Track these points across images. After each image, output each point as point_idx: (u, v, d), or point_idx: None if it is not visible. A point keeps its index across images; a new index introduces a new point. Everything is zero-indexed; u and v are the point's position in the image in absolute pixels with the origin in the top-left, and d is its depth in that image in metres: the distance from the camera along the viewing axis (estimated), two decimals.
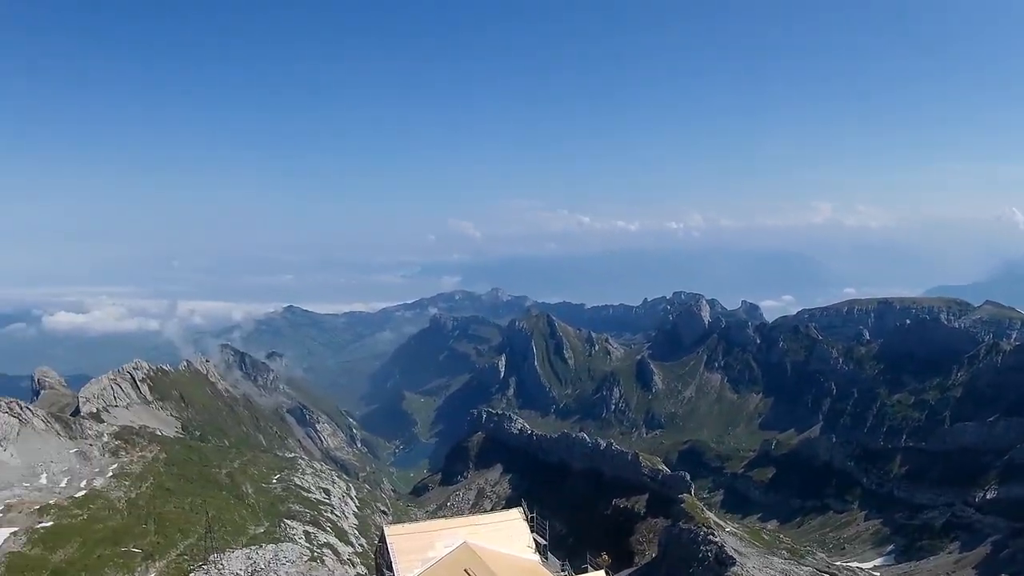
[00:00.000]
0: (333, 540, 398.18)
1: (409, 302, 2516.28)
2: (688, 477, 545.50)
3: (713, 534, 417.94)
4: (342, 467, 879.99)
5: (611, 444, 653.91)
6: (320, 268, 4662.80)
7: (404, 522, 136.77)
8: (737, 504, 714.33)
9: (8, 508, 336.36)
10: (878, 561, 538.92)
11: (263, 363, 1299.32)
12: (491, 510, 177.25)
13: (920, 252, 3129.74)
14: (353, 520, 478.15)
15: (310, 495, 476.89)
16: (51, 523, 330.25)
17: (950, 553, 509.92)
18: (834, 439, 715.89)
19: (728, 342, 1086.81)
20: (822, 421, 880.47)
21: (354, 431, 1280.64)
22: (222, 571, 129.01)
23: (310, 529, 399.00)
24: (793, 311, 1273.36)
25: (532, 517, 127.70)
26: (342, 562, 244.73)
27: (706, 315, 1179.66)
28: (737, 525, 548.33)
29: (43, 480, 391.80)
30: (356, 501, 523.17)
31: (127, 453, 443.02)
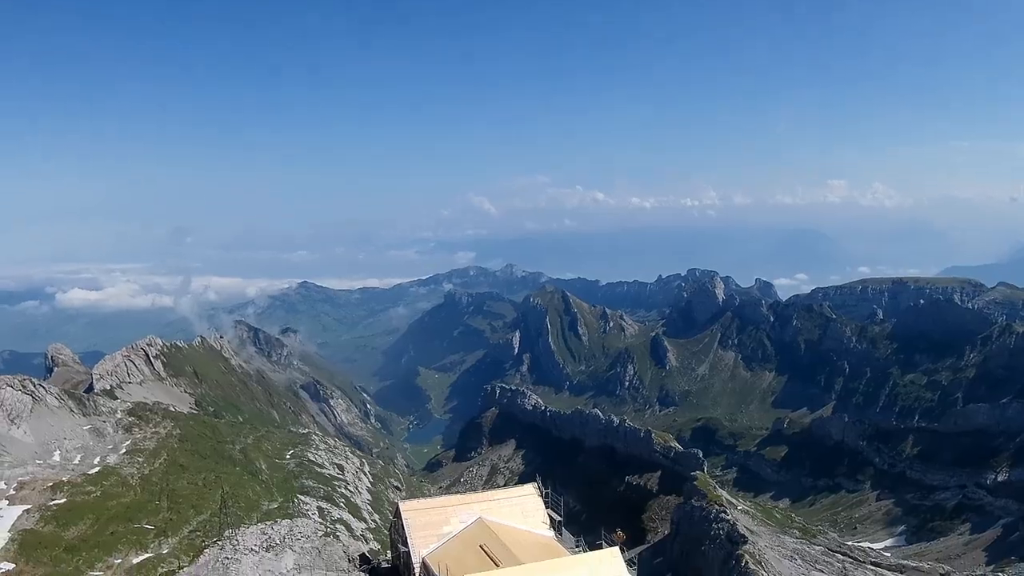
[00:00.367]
0: (347, 516, 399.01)
1: (423, 278, 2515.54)
2: (701, 455, 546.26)
3: (725, 512, 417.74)
4: (356, 443, 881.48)
5: (624, 421, 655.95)
6: (334, 244, 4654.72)
7: (418, 498, 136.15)
8: (749, 482, 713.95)
9: (21, 486, 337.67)
10: (889, 542, 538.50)
11: (277, 339, 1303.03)
12: (504, 486, 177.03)
13: (935, 232, 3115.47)
14: (367, 496, 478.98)
15: (324, 471, 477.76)
16: (64, 500, 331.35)
17: (961, 535, 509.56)
18: (847, 418, 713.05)
19: (742, 320, 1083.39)
20: (835, 400, 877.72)
21: (368, 407, 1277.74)
22: (236, 547, 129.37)
23: (324, 505, 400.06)
24: (807, 289, 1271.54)
25: (547, 493, 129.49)
26: (355, 538, 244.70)
27: (720, 293, 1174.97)
28: (749, 503, 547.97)
29: (56, 457, 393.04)
30: (370, 477, 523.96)
31: (140, 429, 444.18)
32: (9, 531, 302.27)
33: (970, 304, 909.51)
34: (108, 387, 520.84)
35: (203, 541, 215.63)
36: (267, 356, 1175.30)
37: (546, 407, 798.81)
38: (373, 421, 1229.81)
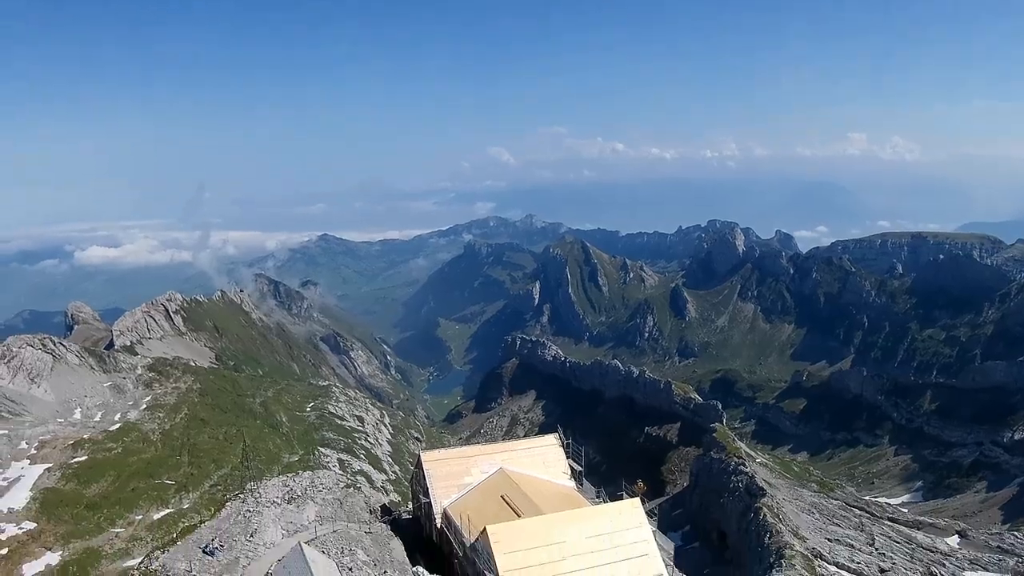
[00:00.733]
0: (367, 467, 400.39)
1: (443, 229, 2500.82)
2: (720, 407, 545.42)
3: (744, 464, 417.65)
4: (376, 394, 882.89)
5: (644, 372, 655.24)
6: (354, 196, 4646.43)
7: (439, 449, 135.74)
8: (768, 435, 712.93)
9: (42, 444, 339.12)
10: (906, 497, 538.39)
11: (297, 292, 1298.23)
12: (524, 437, 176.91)
13: (954, 187, 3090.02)
14: (387, 447, 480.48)
15: (344, 423, 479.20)
16: (85, 457, 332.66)
17: (977, 492, 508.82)
18: (865, 372, 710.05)
19: (762, 271, 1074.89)
20: (853, 354, 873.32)
21: (388, 358, 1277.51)
22: (258, 500, 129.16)
23: (344, 457, 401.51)
24: (827, 242, 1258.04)
25: (567, 443, 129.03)
26: (376, 489, 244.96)
27: (740, 244, 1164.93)
28: (768, 456, 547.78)
29: (77, 415, 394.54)
30: (390, 428, 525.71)
31: (161, 385, 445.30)
32: (31, 490, 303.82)
33: (989, 260, 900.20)
34: (128, 343, 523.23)
35: (224, 495, 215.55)
36: (287, 309, 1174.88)
37: (566, 358, 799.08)
38: (393, 373, 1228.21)
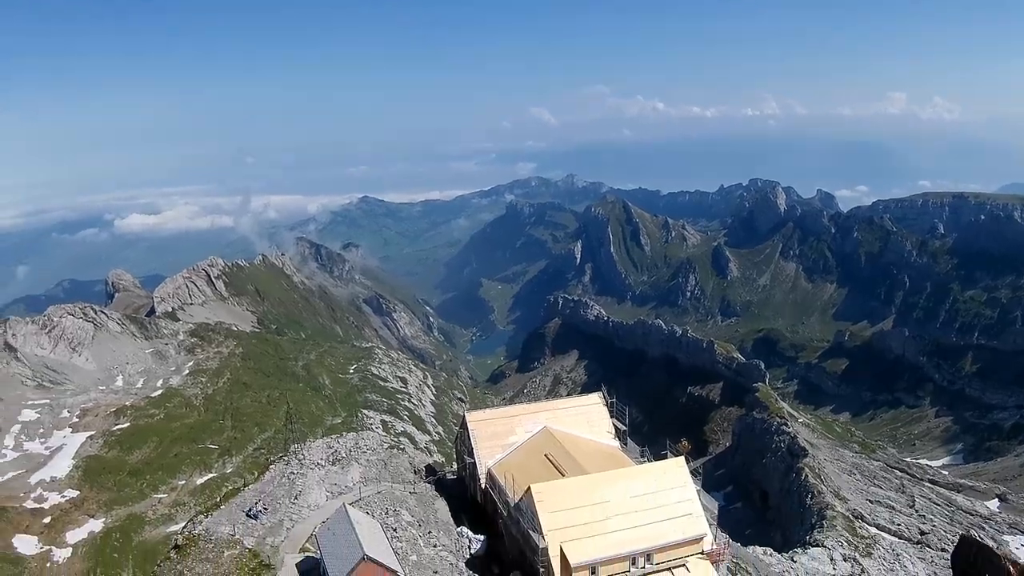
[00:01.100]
0: (410, 429, 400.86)
1: (485, 189, 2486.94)
2: (762, 366, 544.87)
3: (786, 425, 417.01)
4: (419, 355, 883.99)
5: (687, 331, 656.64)
6: (395, 158, 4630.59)
7: (483, 409, 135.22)
8: (810, 395, 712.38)
9: (84, 413, 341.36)
10: (946, 459, 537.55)
11: (339, 254, 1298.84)
12: (567, 397, 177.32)
13: (994, 148, 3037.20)
14: (430, 408, 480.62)
15: (387, 384, 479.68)
16: (127, 424, 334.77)
17: (1017, 456, 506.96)
18: (907, 333, 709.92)
19: (803, 230, 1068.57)
20: (895, 314, 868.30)
21: (431, 319, 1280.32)
22: (302, 462, 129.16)
23: (387, 418, 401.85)
24: (868, 202, 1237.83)
25: (611, 403, 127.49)
26: (419, 450, 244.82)
27: (782, 203, 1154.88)
28: (810, 416, 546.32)
29: (119, 382, 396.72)
30: (433, 389, 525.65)
31: (203, 350, 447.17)
32: (73, 458, 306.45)
33: None
34: (170, 309, 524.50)
35: (268, 458, 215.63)
36: (329, 272, 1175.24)
37: (608, 317, 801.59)
38: (436, 333, 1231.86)
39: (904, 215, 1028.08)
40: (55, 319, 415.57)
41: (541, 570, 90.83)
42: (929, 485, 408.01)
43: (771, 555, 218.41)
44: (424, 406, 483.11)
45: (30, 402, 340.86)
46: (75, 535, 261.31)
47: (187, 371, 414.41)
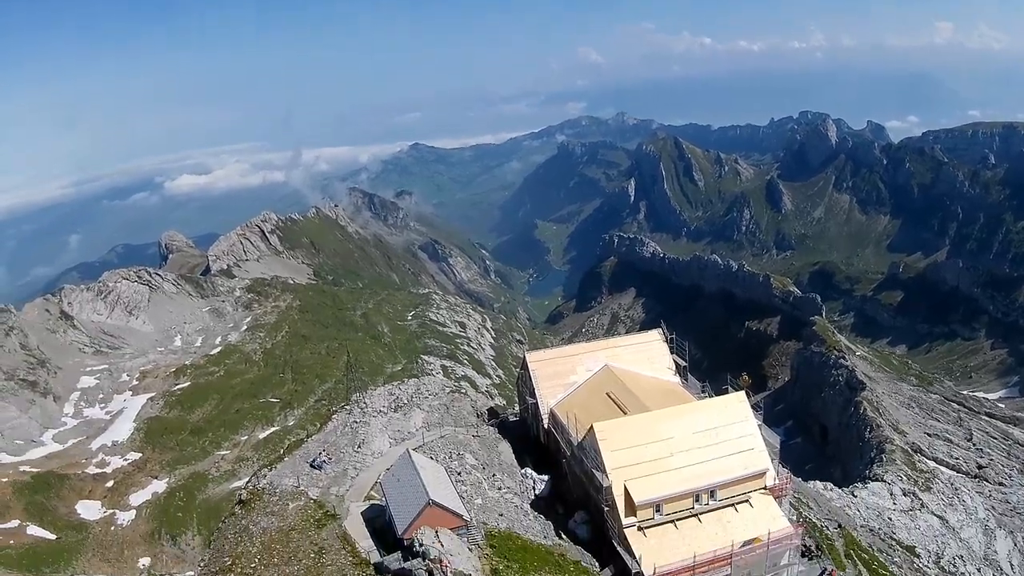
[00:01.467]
0: (470, 372, 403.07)
1: (536, 131, 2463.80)
2: (819, 300, 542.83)
3: (844, 358, 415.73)
4: (477, 299, 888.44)
5: (743, 266, 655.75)
6: (444, 103, 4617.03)
7: (542, 349, 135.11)
8: (866, 328, 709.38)
9: (143, 375, 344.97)
10: (1002, 392, 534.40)
11: (392, 202, 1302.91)
12: (625, 334, 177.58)
13: None
14: (490, 352, 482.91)
15: (446, 329, 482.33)
16: (187, 384, 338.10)
17: None
18: (961, 264, 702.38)
19: (855, 162, 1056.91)
20: (948, 245, 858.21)
21: (487, 263, 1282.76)
22: (364, 410, 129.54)
23: (447, 363, 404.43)
24: (918, 132, 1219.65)
25: (671, 339, 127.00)
26: (480, 393, 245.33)
27: (833, 135, 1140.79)
28: (867, 349, 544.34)
29: (177, 342, 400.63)
30: (492, 332, 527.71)
31: (260, 305, 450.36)
32: (134, 421, 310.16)
33: None
34: (225, 267, 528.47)
35: (330, 408, 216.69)
36: (383, 220, 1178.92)
37: (664, 254, 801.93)
38: (493, 277, 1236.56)
39: (955, 145, 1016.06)
40: (110, 284, 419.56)
41: (606, 508, 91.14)
42: (986, 418, 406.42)
43: (832, 490, 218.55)
44: (483, 349, 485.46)
45: (89, 368, 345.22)
46: (138, 497, 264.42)
47: (245, 327, 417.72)
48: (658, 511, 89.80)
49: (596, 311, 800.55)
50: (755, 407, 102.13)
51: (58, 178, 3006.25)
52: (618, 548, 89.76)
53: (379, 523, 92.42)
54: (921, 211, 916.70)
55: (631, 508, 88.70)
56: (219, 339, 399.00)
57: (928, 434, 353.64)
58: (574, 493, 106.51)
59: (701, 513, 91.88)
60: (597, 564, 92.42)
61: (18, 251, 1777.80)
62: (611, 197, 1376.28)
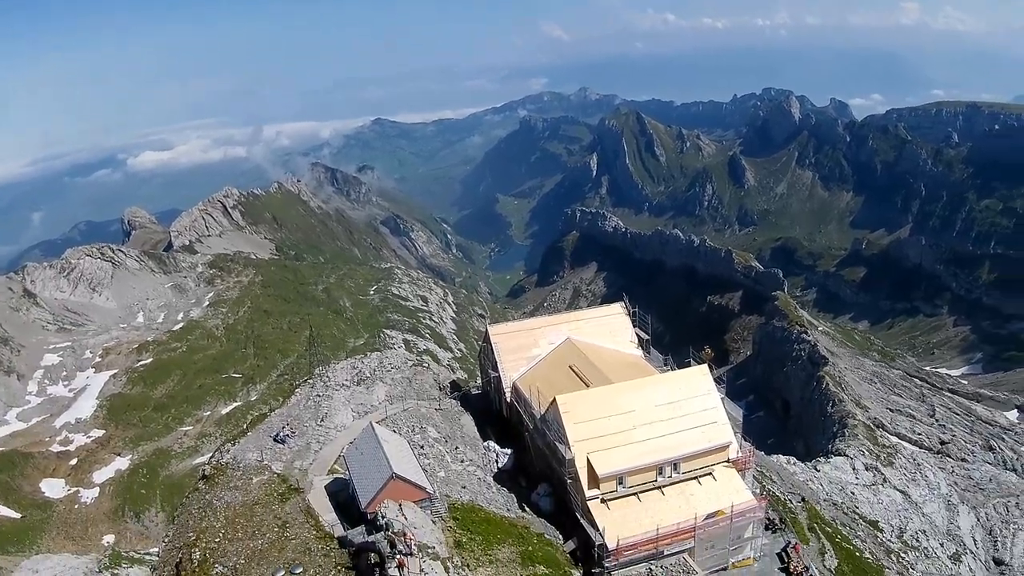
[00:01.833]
0: (432, 346, 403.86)
1: (498, 106, 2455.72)
2: (781, 275, 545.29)
3: (806, 333, 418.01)
4: (438, 274, 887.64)
5: (705, 241, 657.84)
6: (406, 80, 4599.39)
7: (505, 322, 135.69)
8: (829, 303, 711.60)
9: (106, 352, 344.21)
10: (964, 369, 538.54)
11: (354, 177, 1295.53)
12: (587, 308, 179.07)
13: (1008, 59, 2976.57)
14: (451, 326, 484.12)
15: (408, 303, 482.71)
16: (150, 360, 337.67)
17: None
18: (924, 241, 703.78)
19: (818, 139, 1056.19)
20: (911, 222, 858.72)
21: (449, 237, 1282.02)
22: (327, 384, 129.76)
23: (409, 337, 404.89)
24: (882, 110, 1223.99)
25: (633, 312, 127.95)
26: (442, 367, 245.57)
27: (796, 112, 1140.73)
28: (829, 325, 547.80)
29: (140, 319, 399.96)
30: (454, 306, 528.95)
31: (223, 280, 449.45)
32: (97, 398, 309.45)
33: None
34: (187, 243, 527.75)
35: (292, 383, 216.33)
36: (345, 195, 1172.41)
37: (626, 229, 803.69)
38: (454, 251, 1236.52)
39: (918, 124, 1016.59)
40: (73, 261, 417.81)
41: (569, 481, 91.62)
42: (949, 394, 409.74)
43: (794, 464, 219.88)
44: (445, 323, 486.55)
45: (52, 346, 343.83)
46: (102, 475, 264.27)
47: (207, 303, 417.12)
48: (621, 484, 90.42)
49: (558, 285, 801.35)
50: (717, 381, 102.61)
51: (20, 156, 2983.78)
52: (581, 520, 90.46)
53: (343, 497, 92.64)
54: (884, 188, 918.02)
55: (594, 480, 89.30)
56: (181, 315, 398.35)
57: (890, 409, 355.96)
58: (537, 466, 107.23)
59: (664, 486, 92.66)
60: (560, 536, 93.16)
61: None
62: (573, 172, 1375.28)
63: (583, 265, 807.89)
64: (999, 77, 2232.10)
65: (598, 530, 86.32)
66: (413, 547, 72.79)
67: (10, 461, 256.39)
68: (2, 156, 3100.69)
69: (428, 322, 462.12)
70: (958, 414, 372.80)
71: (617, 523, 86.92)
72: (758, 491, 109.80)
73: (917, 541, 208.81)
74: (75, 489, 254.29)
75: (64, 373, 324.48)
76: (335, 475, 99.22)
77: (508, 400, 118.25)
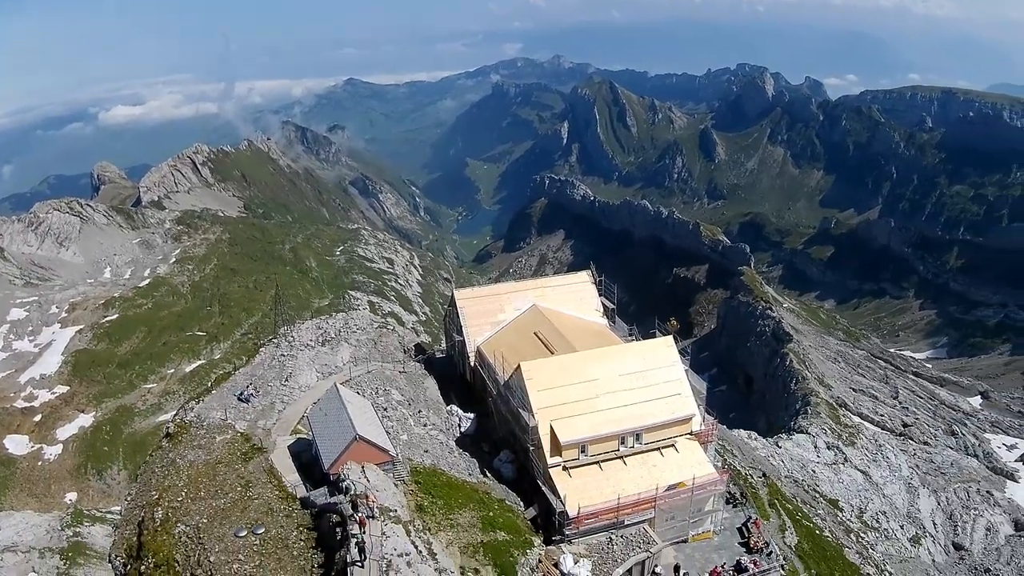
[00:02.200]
0: (397, 309, 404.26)
1: (471, 70, 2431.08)
2: (748, 250, 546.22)
3: (771, 309, 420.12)
4: (405, 236, 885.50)
5: (673, 213, 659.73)
6: (380, 40, 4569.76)
7: (471, 287, 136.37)
8: (795, 280, 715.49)
9: (73, 307, 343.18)
10: (929, 352, 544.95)
11: (325, 137, 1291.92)
12: (553, 275, 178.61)
13: (986, 47, 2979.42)
14: (417, 289, 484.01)
15: (374, 265, 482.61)
16: (116, 316, 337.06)
17: (1001, 355, 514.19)
18: (892, 223, 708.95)
19: (791, 117, 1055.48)
20: (881, 204, 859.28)
21: (417, 200, 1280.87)
22: (292, 343, 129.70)
23: (374, 299, 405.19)
24: (856, 91, 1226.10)
25: (600, 281, 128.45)
26: (407, 330, 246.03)
27: (770, 88, 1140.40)
28: (795, 302, 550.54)
29: (107, 274, 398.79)
30: (419, 270, 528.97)
31: (190, 237, 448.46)
32: (62, 354, 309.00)
33: (1019, 123, 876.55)
34: (156, 198, 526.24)
35: (256, 342, 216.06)
36: (315, 155, 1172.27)
37: (595, 197, 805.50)
38: (422, 214, 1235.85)
39: (893, 107, 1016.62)
40: (41, 215, 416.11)
41: (531, 448, 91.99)
42: (913, 377, 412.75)
43: (756, 439, 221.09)
44: (411, 286, 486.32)
45: (18, 300, 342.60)
46: (65, 431, 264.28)
47: (174, 259, 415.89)
48: (583, 452, 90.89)
49: (524, 252, 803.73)
50: (682, 353, 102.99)
51: None
52: (542, 487, 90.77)
53: (305, 457, 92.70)
54: (855, 169, 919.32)
55: (556, 448, 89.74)
56: (148, 271, 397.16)
57: (854, 389, 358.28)
58: (499, 432, 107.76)
59: (626, 456, 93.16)
60: (521, 503, 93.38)
61: None
62: (543, 139, 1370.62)
63: (550, 232, 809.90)
64: (976, 65, 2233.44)
65: (559, 497, 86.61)
66: (375, 510, 72.98)
67: None
68: None
69: (394, 284, 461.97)
70: (921, 397, 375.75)
71: (578, 491, 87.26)
72: (720, 465, 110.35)
73: (877, 522, 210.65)
74: (39, 446, 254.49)
75: (30, 328, 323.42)
76: (298, 435, 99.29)
77: (472, 365, 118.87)
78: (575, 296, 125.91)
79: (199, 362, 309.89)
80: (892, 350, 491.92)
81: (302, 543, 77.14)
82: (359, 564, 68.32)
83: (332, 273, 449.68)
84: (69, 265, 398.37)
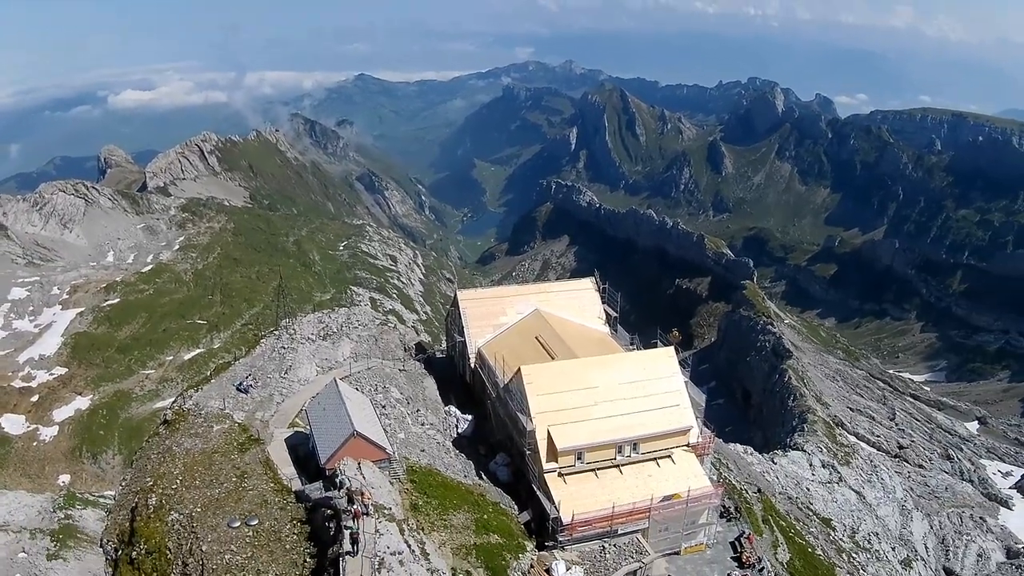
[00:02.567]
0: (399, 307, 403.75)
1: (482, 71, 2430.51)
2: (751, 264, 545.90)
3: (772, 325, 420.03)
4: (409, 234, 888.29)
5: (678, 223, 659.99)
6: (392, 36, 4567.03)
7: (474, 288, 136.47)
8: (797, 297, 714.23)
9: (74, 289, 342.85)
10: (928, 376, 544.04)
11: (333, 131, 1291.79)
12: (556, 281, 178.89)
13: (997, 72, 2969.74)
14: (419, 287, 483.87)
15: (377, 262, 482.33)
16: (117, 300, 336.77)
17: (1000, 380, 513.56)
18: (897, 244, 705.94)
19: (800, 133, 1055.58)
20: (887, 224, 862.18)
21: (423, 198, 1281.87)
22: (293, 336, 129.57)
23: (376, 296, 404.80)
24: (866, 110, 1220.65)
25: (603, 288, 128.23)
26: (407, 328, 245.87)
27: (780, 103, 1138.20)
28: (796, 318, 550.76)
29: (110, 258, 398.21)
30: (422, 268, 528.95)
31: (194, 225, 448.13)
32: (62, 335, 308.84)
33: None
34: (162, 184, 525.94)
35: (256, 333, 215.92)
36: (323, 148, 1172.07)
37: (601, 205, 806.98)
38: (427, 213, 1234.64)
39: (902, 128, 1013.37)
40: (46, 196, 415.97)
41: (527, 452, 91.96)
42: (911, 399, 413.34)
43: (752, 454, 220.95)
44: (413, 285, 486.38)
45: (20, 280, 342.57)
46: (62, 413, 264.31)
47: (177, 246, 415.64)
48: (580, 459, 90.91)
49: (528, 256, 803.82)
50: (682, 364, 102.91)
51: (1, 87, 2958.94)
52: (537, 492, 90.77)
53: (302, 451, 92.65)
54: (862, 188, 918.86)
55: (553, 453, 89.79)
56: (151, 257, 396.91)
57: (851, 408, 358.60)
58: (496, 435, 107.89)
59: (623, 464, 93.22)
60: (516, 507, 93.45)
61: None
62: (552, 144, 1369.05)
63: (555, 237, 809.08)
64: (986, 89, 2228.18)
65: (553, 503, 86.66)
66: (370, 507, 72.93)
67: None
68: None
69: (396, 282, 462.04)
70: (918, 420, 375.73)
71: (573, 498, 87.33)
72: (715, 478, 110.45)
73: (869, 543, 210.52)
74: (34, 426, 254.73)
75: (31, 308, 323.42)
76: (296, 428, 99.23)
77: (472, 366, 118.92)
78: (578, 302, 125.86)
79: (198, 350, 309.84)
80: (891, 371, 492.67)
81: (295, 536, 77.03)
82: (351, 554, 68.34)
83: (335, 268, 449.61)
84: (72, 247, 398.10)
